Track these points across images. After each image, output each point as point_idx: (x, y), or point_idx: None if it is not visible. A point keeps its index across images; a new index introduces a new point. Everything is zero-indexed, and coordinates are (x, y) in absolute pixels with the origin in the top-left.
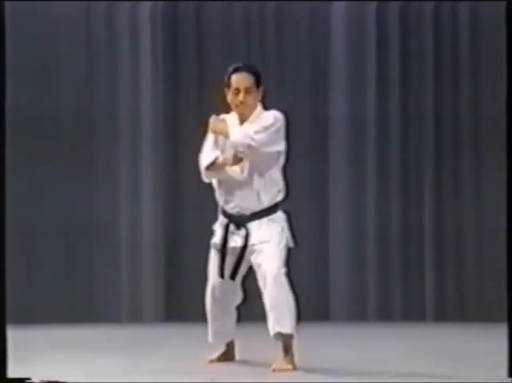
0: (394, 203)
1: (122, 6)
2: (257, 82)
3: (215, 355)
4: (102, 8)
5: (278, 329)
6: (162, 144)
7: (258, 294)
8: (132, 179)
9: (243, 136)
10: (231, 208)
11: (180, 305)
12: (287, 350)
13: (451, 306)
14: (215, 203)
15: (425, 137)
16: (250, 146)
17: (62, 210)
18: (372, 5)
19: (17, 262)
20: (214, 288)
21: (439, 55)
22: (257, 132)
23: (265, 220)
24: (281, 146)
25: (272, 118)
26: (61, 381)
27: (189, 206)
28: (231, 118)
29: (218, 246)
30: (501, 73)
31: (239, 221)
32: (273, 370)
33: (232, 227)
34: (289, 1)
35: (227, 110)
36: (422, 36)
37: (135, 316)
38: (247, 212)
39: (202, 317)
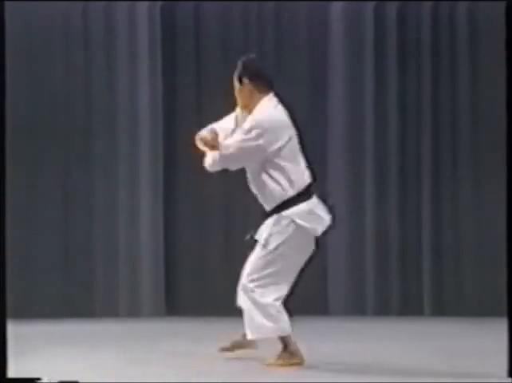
0: (392, 198)
1: (120, 6)
2: (240, 77)
3: (233, 345)
4: (100, 8)
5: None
6: (160, 141)
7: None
8: (131, 173)
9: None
10: None
11: (180, 299)
12: (285, 347)
13: (449, 301)
14: (212, 195)
15: (423, 136)
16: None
17: (61, 206)
18: (370, 5)
19: (16, 256)
20: None
21: (437, 55)
22: (226, 147)
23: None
24: (255, 154)
25: (248, 125)
26: (61, 378)
27: (187, 200)
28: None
29: None
30: (499, 73)
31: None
32: (267, 365)
33: None
34: (287, 2)
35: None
36: (420, 36)
37: (134, 311)
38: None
39: (201, 312)
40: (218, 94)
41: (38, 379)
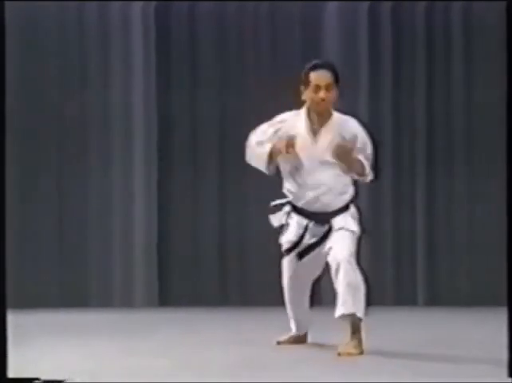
0: (386, 188)
1: (114, 7)
2: (336, 80)
3: (285, 337)
4: (94, 8)
5: (349, 310)
6: (154, 141)
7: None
8: (125, 166)
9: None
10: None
11: (173, 289)
12: (355, 334)
13: (443, 291)
14: (206, 187)
15: (418, 135)
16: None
17: (56, 198)
18: (365, 5)
19: (10, 247)
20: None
21: (431, 55)
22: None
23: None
24: None
25: (367, 140)
26: (55, 368)
27: (181, 191)
28: (295, 118)
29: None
30: (494, 72)
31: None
32: (339, 354)
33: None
34: (282, 2)
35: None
36: (414, 35)
37: (127, 301)
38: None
39: (194, 302)
40: (212, 94)
41: (37, 379)
